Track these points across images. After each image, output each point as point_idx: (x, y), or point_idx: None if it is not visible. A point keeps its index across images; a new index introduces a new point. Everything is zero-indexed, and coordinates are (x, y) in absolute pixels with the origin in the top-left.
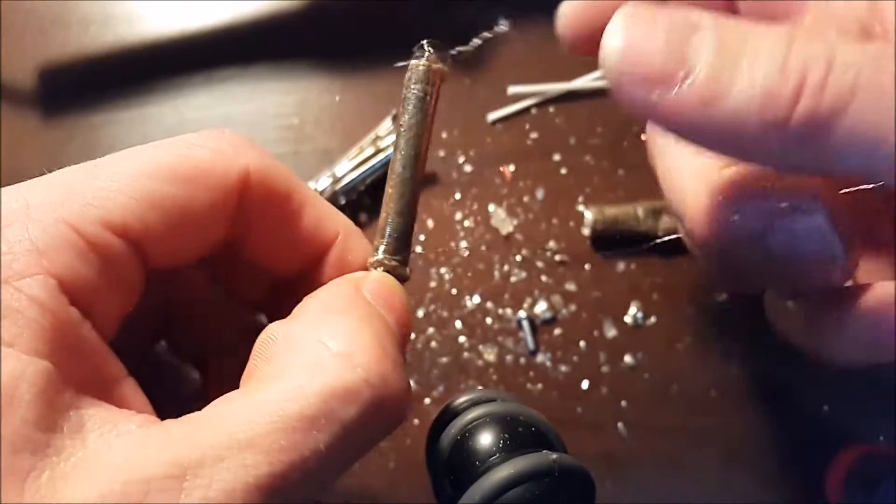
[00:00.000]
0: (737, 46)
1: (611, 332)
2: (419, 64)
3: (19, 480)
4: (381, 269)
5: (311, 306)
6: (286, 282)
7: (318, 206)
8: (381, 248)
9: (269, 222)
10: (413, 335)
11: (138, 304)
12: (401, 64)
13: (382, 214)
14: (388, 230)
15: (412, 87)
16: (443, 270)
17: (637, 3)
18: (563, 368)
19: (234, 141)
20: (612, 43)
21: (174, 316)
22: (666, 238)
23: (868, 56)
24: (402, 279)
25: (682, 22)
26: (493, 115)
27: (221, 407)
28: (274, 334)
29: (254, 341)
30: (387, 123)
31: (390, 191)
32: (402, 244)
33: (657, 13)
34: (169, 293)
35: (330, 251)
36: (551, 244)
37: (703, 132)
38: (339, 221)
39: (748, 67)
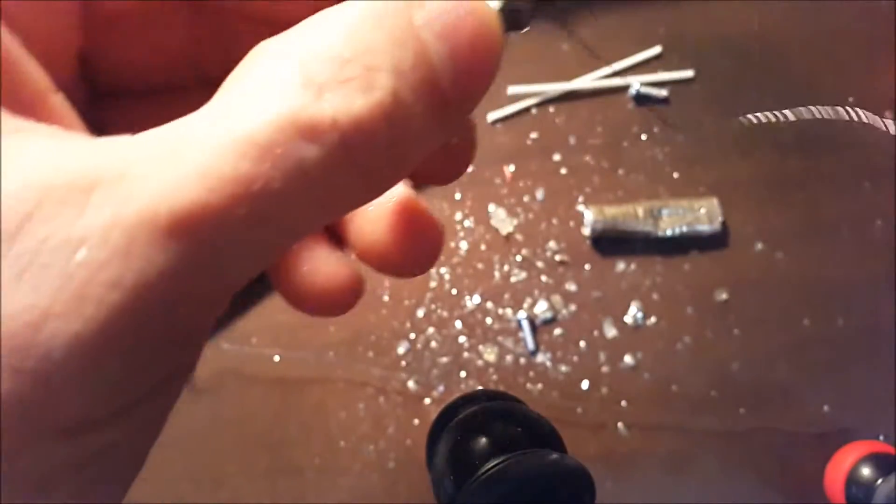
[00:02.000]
0: None
1: (611, 332)
2: None
3: None
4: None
5: (319, 16)
6: None
7: None
8: None
9: None
10: (413, 335)
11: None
12: None
13: None
14: None
15: None
16: (443, 270)
17: None
18: (563, 368)
19: None
20: None
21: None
22: None
23: None
24: (516, 24)
25: None
26: (493, 115)
27: (164, 127)
28: (258, 50)
29: None
30: None
31: None
32: None
33: None
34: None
35: None
36: (551, 244)
37: None
38: None
39: None
